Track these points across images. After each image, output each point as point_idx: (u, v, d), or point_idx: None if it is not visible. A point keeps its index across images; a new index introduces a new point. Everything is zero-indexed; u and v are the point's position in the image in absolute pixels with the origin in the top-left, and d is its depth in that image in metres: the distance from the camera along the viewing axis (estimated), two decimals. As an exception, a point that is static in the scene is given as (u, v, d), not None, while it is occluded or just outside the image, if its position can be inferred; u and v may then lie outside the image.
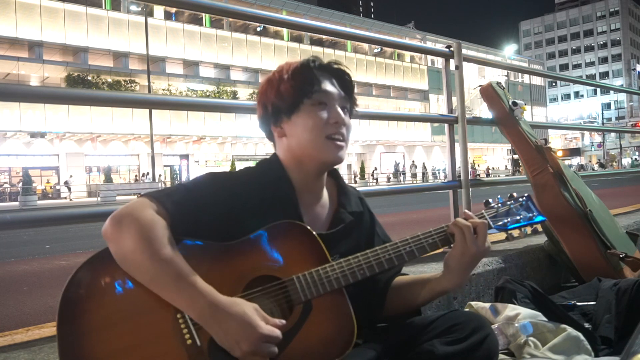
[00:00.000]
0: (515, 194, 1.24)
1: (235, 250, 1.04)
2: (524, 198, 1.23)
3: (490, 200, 1.22)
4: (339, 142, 1.16)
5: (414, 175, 35.72)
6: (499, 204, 1.22)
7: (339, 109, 1.18)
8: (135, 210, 1.00)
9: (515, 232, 1.20)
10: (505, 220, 1.19)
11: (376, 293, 1.24)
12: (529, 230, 1.20)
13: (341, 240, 1.18)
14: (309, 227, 1.08)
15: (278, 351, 0.97)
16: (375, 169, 38.51)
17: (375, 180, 36.10)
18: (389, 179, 36.51)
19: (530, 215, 1.20)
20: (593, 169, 44.78)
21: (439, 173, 39.30)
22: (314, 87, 1.15)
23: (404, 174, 35.81)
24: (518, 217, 1.20)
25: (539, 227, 1.24)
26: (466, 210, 1.19)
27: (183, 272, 0.96)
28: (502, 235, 1.21)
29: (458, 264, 1.14)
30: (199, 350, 0.94)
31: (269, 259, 1.05)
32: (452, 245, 1.15)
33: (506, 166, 49.21)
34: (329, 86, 1.17)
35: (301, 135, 1.15)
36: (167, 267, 0.95)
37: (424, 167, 38.13)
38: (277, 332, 0.95)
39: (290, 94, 1.15)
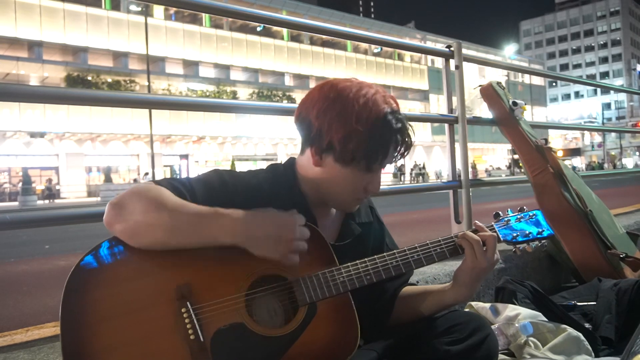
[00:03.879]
0: (525, 208, 1.24)
1: (240, 249, 1.02)
2: (534, 212, 1.24)
3: (500, 212, 1.22)
4: (360, 200, 1.17)
5: (418, 175, 35.68)
6: (509, 218, 1.22)
7: (380, 177, 1.15)
8: (135, 186, 1.01)
9: (523, 246, 1.20)
10: (515, 234, 1.19)
11: (384, 302, 1.23)
12: (536, 244, 1.20)
13: (348, 251, 1.15)
14: (318, 229, 1.07)
15: (281, 352, 0.96)
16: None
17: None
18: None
19: (540, 230, 1.21)
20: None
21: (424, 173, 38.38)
22: (379, 159, 1.09)
23: (402, 174, 35.66)
24: (527, 232, 1.20)
25: (546, 242, 1.23)
26: (477, 222, 1.18)
27: (202, 207, 0.98)
28: (508, 245, 1.21)
29: (468, 278, 1.14)
30: (202, 346, 0.94)
31: None
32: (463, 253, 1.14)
33: (506, 166, 49.20)
34: (389, 156, 1.11)
35: (335, 185, 1.11)
36: (185, 208, 0.97)
37: (422, 167, 38.02)
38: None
39: (355, 155, 1.07)
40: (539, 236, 1.20)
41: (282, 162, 1.21)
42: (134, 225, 0.95)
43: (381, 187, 1.19)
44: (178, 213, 0.96)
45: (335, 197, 1.14)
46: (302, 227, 1.02)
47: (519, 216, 1.22)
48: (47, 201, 25.03)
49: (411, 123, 1.15)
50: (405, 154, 1.14)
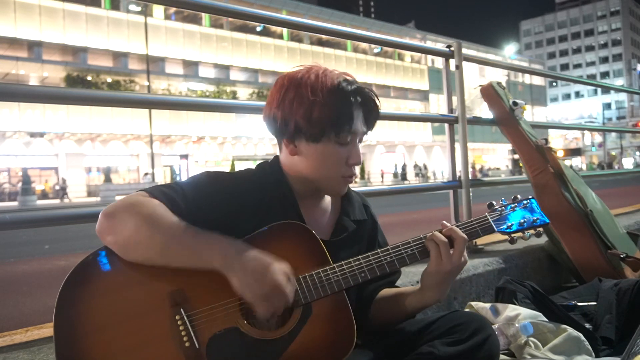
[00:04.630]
0: (519, 196, 1.22)
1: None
2: (528, 201, 1.21)
3: (494, 202, 1.20)
4: (349, 180, 1.16)
5: (417, 175, 35.75)
6: (503, 207, 1.20)
7: (358, 148, 1.15)
8: (127, 198, 1.00)
9: (519, 236, 1.18)
10: (509, 224, 1.18)
11: (360, 303, 1.21)
12: (531, 232, 1.18)
13: (342, 248, 1.15)
14: (310, 228, 1.07)
15: (277, 355, 0.96)
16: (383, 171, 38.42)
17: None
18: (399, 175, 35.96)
19: (534, 218, 1.19)
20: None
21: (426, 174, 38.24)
22: (346, 125, 1.09)
23: (404, 175, 35.63)
24: (522, 220, 1.18)
25: (542, 230, 1.22)
26: (444, 222, 1.14)
27: (197, 229, 0.97)
28: (503, 236, 1.20)
29: (433, 281, 1.12)
30: (198, 353, 0.94)
31: None
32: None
33: (507, 166, 49.20)
34: (358, 123, 1.12)
35: (317, 165, 1.12)
36: (180, 228, 0.96)
37: (424, 167, 38.04)
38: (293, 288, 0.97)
39: (321, 124, 1.08)
40: (533, 224, 1.18)
41: (269, 161, 1.22)
42: (124, 240, 0.95)
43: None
44: (172, 235, 0.95)
45: (322, 181, 1.14)
46: (290, 284, 0.97)
47: (512, 205, 1.20)
48: (61, 200, 25.23)
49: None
50: (375, 114, 1.16)
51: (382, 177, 36.75)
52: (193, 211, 1.02)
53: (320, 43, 40.62)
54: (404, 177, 34.52)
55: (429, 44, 20.10)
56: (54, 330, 0.92)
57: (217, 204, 1.06)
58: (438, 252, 1.09)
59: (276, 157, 1.22)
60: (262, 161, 1.23)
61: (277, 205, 1.12)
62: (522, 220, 1.18)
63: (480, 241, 2.60)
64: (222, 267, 0.95)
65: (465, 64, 2.77)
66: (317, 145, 1.11)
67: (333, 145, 1.11)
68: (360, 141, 1.17)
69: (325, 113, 1.08)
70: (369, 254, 1.08)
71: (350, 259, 1.06)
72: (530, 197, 1.23)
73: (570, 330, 1.60)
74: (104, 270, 0.97)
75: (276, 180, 1.16)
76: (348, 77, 1.14)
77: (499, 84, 2.80)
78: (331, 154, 1.11)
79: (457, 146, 2.74)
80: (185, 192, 1.04)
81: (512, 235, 1.18)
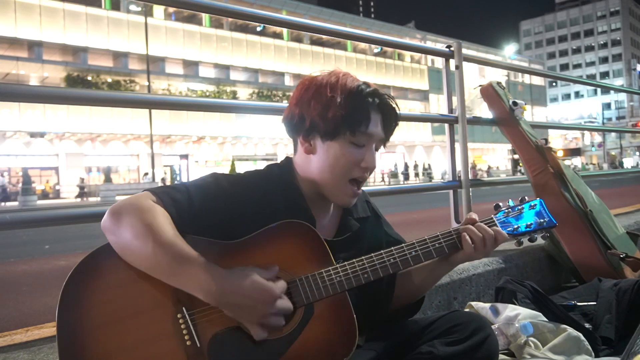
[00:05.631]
0: (527, 198, 1.21)
1: (238, 249, 1.03)
2: (535, 202, 1.20)
3: (501, 204, 1.19)
4: (357, 190, 1.16)
5: (417, 176, 35.78)
6: (510, 209, 1.19)
7: (374, 153, 1.16)
8: (135, 199, 1.00)
9: (525, 238, 1.17)
10: (516, 226, 1.16)
11: (384, 288, 1.22)
12: (538, 235, 1.17)
13: (347, 247, 1.15)
14: (314, 228, 1.07)
15: (278, 355, 0.96)
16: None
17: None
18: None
19: (542, 220, 1.17)
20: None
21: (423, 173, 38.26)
22: (362, 126, 1.11)
23: (404, 174, 35.58)
24: (529, 222, 1.17)
25: (548, 233, 1.20)
26: (473, 215, 1.16)
27: (185, 254, 0.95)
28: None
29: (460, 263, 1.17)
30: (199, 351, 0.94)
31: (272, 259, 1.03)
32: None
33: (505, 166, 49.18)
34: (375, 127, 1.13)
35: (327, 165, 1.12)
36: (170, 250, 0.95)
37: (424, 166, 38.03)
38: (288, 302, 0.98)
39: (336, 123, 1.09)
40: (539, 227, 1.16)
41: (279, 162, 1.22)
42: (123, 244, 0.96)
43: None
44: (162, 252, 0.94)
45: (330, 186, 1.14)
46: (282, 301, 0.97)
47: (519, 207, 1.18)
48: (80, 199, 25.57)
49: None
50: (394, 120, 1.17)
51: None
52: (197, 213, 1.02)
53: (320, 43, 40.59)
54: (406, 177, 34.50)
55: (429, 44, 20.09)
56: (56, 327, 0.92)
57: (222, 207, 1.05)
58: (474, 247, 1.12)
59: (287, 159, 1.21)
60: (272, 163, 1.23)
61: (287, 208, 1.11)
62: (529, 222, 1.16)
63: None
64: (209, 302, 0.95)
65: (465, 64, 2.77)
66: (332, 144, 1.11)
67: (348, 145, 1.11)
68: (377, 148, 1.18)
69: (341, 111, 1.09)
70: (372, 255, 1.07)
71: (354, 260, 1.06)
72: (538, 199, 1.21)
73: (570, 330, 1.60)
74: (107, 267, 0.97)
75: (286, 183, 1.15)
76: (369, 83, 1.17)
77: (498, 84, 2.80)
78: (345, 153, 1.11)
79: (457, 146, 2.74)
80: (191, 194, 1.04)
81: (519, 237, 1.17)
